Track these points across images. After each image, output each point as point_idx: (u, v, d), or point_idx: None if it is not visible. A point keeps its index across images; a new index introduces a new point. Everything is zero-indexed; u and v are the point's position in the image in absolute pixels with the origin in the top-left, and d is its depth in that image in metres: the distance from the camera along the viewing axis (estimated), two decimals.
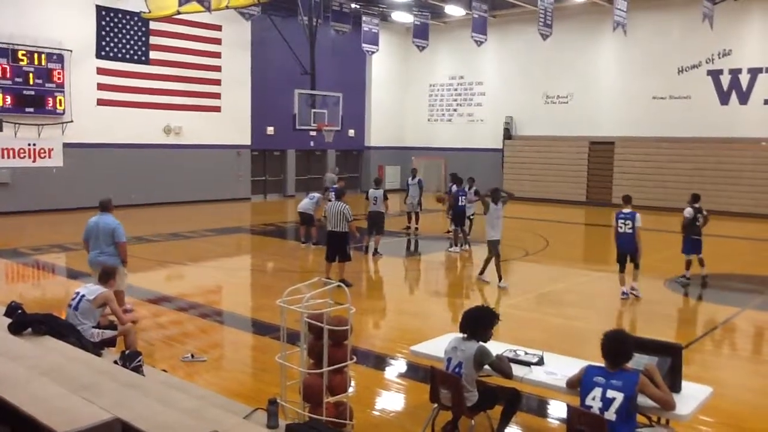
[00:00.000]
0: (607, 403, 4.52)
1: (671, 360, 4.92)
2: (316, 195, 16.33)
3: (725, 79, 23.99)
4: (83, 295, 6.75)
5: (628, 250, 11.19)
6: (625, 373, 4.61)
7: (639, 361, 4.87)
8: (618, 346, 4.69)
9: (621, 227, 11.21)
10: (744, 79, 23.59)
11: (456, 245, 15.68)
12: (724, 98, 24.06)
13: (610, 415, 4.47)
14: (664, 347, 5.10)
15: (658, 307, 10.71)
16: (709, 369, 7.71)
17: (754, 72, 23.36)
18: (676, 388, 4.85)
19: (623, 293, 11.16)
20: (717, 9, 21.00)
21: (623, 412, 4.47)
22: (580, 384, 4.76)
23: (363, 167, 32.43)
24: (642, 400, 4.59)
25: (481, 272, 12.37)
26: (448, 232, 17.95)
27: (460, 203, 15.69)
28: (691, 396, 4.89)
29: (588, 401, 4.63)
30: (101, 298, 6.79)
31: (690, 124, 24.49)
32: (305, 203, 15.85)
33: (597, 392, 4.60)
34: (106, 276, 7.16)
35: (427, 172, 31.43)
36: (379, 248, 14.81)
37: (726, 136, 23.87)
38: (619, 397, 4.50)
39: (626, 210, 11.24)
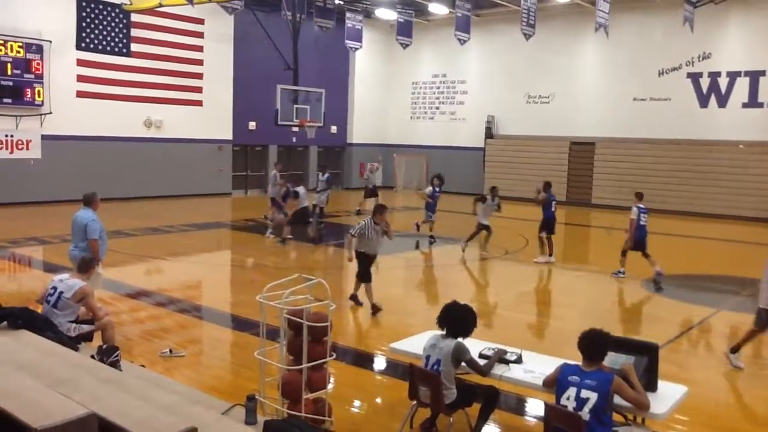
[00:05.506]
0: (581, 402, 4.54)
1: (647, 359, 4.97)
2: (299, 189, 16.34)
3: (705, 82, 24.26)
4: (61, 292, 6.65)
5: (644, 242, 12.15)
6: (599, 372, 4.64)
7: (616, 360, 4.91)
8: (594, 342, 4.73)
9: (642, 220, 12.17)
10: (723, 82, 23.88)
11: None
12: (703, 101, 24.34)
13: (585, 414, 4.49)
14: (641, 346, 5.15)
15: (634, 307, 10.83)
16: (685, 368, 7.80)
17: (733, 75, 23.65)
18: (652, 387, 4.91)
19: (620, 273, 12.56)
20: (698, 12, 21.22)
21: (597, 411, 4.49)
22: (556, 383, 4.78)
23: (345, 164, 32.37)
24: (618, 399, 4.63)
25: (736, 349, 8.07)
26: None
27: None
28: (667, 395, 4.94)
29: (563, 400, 4.65)
30: (80, 293, 6.70)
31: (670, 126, 24.76)
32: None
33: (571, 392, 4.62)
34: (85, 266, 7.06)
35: (409, 169, 31.48)
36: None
37: (705, 139, 24.17)
38: (593, 396, 4.52)
39: (642, 205, 12.29)
